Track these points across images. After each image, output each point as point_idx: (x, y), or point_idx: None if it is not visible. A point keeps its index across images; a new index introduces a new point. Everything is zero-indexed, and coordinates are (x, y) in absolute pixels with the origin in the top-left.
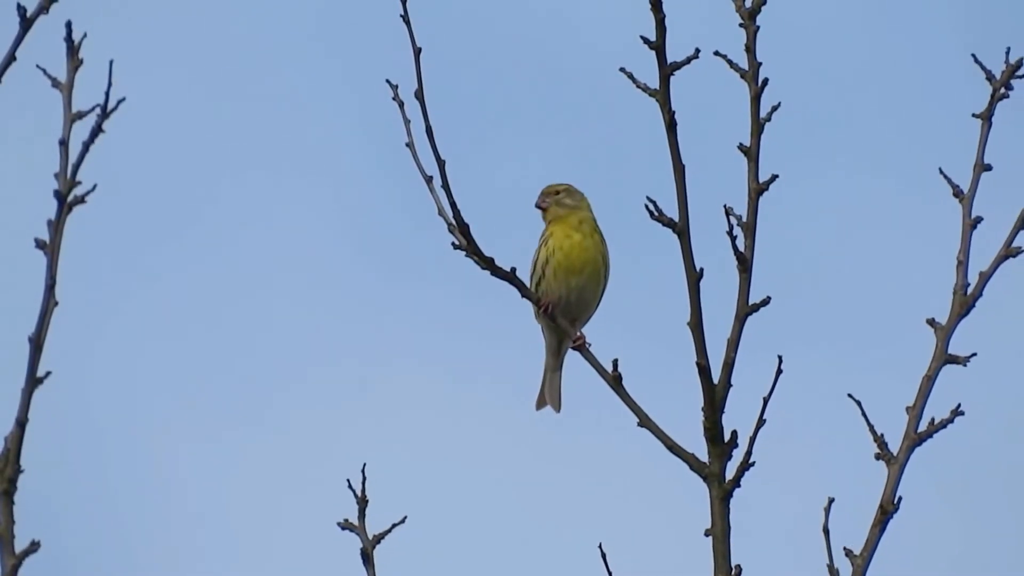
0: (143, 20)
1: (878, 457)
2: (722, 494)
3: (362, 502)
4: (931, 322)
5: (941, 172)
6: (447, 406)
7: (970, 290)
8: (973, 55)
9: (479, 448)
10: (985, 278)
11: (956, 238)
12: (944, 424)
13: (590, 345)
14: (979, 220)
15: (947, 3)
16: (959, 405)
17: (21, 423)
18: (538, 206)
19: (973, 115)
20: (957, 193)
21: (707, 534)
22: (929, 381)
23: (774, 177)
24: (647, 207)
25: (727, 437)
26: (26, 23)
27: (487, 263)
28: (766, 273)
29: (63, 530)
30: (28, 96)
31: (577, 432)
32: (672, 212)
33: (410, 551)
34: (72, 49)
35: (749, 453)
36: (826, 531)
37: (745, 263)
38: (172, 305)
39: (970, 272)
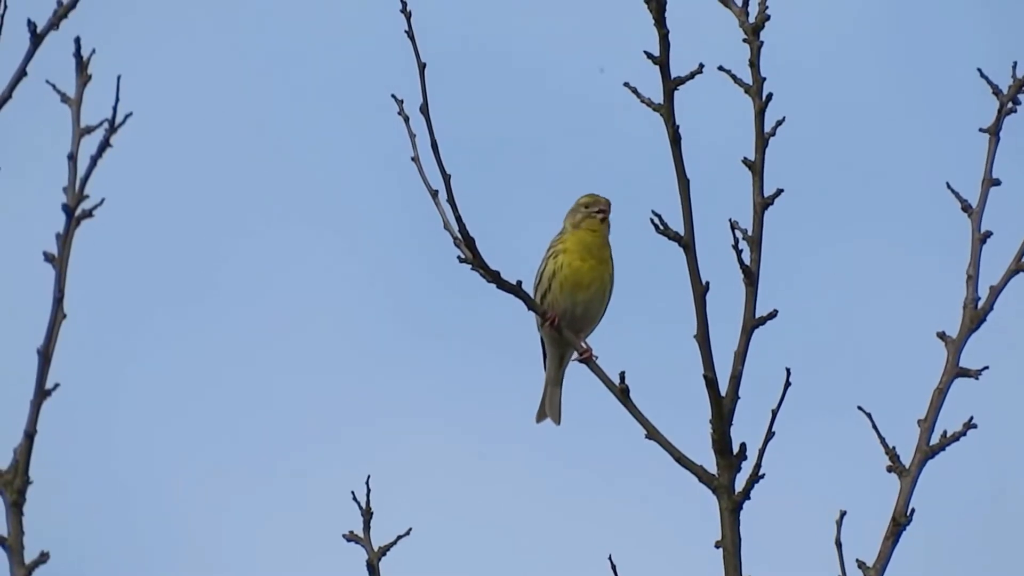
0: (151, 37)
1: (890, 470)
2: (732, 506)
3: (367, 514)
4: (942, 335)
5: (949, 187)
6: (452, 416)
7: (980, 304)
8: (979, 69)
9: (487, 458)
10: (995, 292)
11: (966, 252)
12: (956, 437)
13: (597, 358)
14: (988, 234)
15: (954, 17)
16: (971, 418)
17: (30, 435)
18: (603, 218)
19: (980, 129)
20: (966, 207)
21: (717, 546)
22: (941, 394)
23: (779, 191)
24: (653, 221)
25: (735, 449)
26: (36, 39)
27: (493, 276)
28: (774, 286)
29: (72, 541)
30: (37, 110)
31: (586, 444)
32: (678, 226)
33: (415, 563)
34: (81, 65)
35: (758, 465)
36: (838, 544)
37: (751, 276)
38: (177, 314)
39: (980, 286)
